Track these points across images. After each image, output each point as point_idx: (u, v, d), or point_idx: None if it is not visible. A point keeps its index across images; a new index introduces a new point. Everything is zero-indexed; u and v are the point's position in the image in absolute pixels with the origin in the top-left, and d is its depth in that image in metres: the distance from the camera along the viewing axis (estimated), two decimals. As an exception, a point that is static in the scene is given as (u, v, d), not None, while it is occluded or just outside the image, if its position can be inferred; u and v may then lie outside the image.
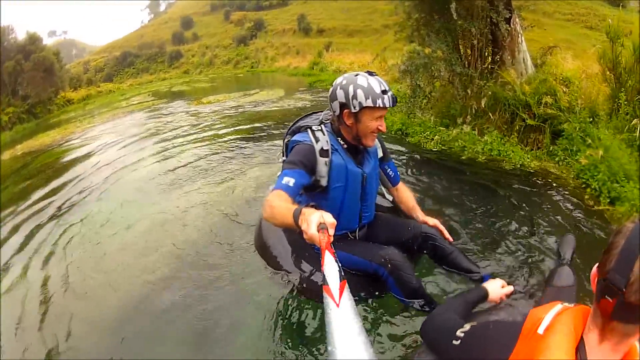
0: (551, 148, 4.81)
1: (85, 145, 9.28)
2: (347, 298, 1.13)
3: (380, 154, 2.25)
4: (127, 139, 8.72)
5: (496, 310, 1.70)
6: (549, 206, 3.54)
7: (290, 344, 2.00)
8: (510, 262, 2.57)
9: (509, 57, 5.46)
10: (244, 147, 6.16)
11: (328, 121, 2.13)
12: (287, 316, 2.20)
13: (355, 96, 1.86)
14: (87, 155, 8.08)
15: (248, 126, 7.75)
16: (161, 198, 4.49)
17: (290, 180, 1.77)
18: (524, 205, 3.50)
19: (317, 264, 2.13)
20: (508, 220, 3.20)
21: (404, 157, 5.09)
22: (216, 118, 9.30)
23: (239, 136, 6.97)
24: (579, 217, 3.31)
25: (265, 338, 2.06)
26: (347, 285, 1.17)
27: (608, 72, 4.54)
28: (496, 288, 1.76)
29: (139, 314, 2.47)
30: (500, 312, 1.64)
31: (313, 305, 2.18)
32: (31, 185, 6.71)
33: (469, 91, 5.39)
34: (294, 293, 2.24)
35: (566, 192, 3.81)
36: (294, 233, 2.12)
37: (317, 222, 1.35)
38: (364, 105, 1.85)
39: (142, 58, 50.68)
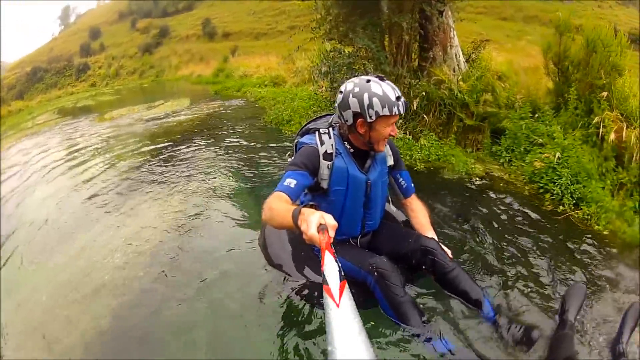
0: (493, 148, 4.56)
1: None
2: (347, 298, 1.14)
3: (390, 161, 2.21)
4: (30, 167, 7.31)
5: None
6: (508, 218, 3.28)
7: (290, 344, 2.00)
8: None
9: (440, 53, 5.18)
10: (149, 171, 5.28)
11: (337, 124, 2.12)
12: (287, 316, 2.18)
13: (371, 105, 1.84)
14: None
15: (150, 147, 6.76)
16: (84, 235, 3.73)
17: (291, 182, 1.82)
18: (477, 218, 3.25)
19: (317, 265, 2.17)
20: (475, 239, 2.92)
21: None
22: (118, 137, 8.29)
23: (143, 158, 6.03)
24: (545, 225, 3.17)
25: (266, 338, 2.05)
26: (347, 285, 1.19)
27: (552, 66, 4.34)
28: None
29: (136, 314, 2.43)
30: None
31: (313, 306, 2.17)
32: None
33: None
34: (294, 293, 2.25)
35: (522, 200, 3.58)
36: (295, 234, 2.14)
37: (317, 222, 1.37)
38: (381, 114, 1.85)
39: (51, 72, 48.24)
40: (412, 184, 2.36)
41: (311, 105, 7.13)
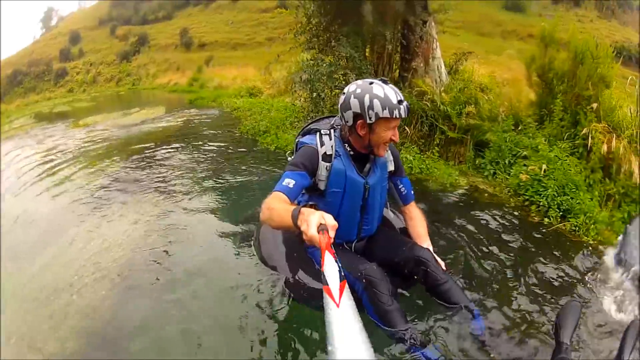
0: (476, 161, 4.50)
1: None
2: (347, 298, 1.15)
3: (391, 167, 2.19)
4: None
5: None
6: (495, 230, 3.21)
7: (290, 344, 2.01)
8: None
9: (422, 65, 5.13)
10: (120, 180, 5.01)
11: (339, 126, 2.11)
12: (287, 316, 2.18)
13: (371, 107, 1.83)
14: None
15: (122, 157, 6.47)
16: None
17: (290, 182, 1.82)
18: (463, 231, 3.15)
19: (313, 266, 2.19)
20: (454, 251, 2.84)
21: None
22: (90, 144, 8.02)
23: (113, 168, 5.70)
24: (534, 238, 3.12)
25: (266, 338, 2.04)
26: (347, 285, 1.20)
27: (536, 78, 4.32)
28: None
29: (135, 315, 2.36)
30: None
31: (312, 306, 2.10)
32: None
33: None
34: (293, 294, 2.24)
35: (509, 212, 3.51)
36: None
37: (317, 222, 1.36)
38: (381, 116, 1.84)
39: (30, 76, 47.62)
40: (412, 192, 2.33)
41: (288, 116, 7.02)
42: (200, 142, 6.62)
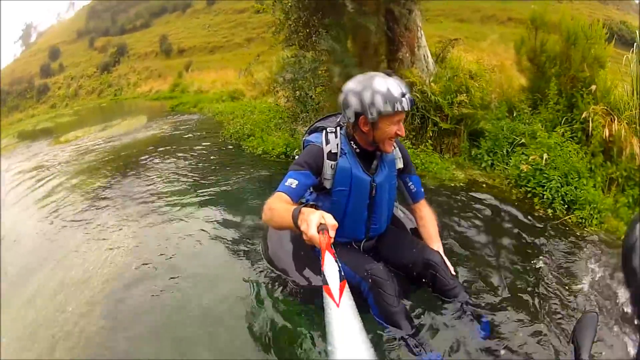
0: (472, 152, 4.35)
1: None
2: (347, 298, 1.14)
3: (400, 164, 2.12)
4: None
5: None
6: (501, 227, 3.05)
7: (290, 343, 1.99)
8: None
9: (407, 55, 4.94)
10: (101, 198, 4.72)
11: (345, 124, 2.06)
12: (287, 316, 2.14)
13: (372, 103, 1.77)
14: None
15: (103, 172, 6.13)
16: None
17: (293, 182, 1.80)
18: (467, 229, 3.01)
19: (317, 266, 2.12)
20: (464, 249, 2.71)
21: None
22: (74, 160, 7.81)
23: (92, 186, 5.36)
24: (540, 233, 2.94)
25: (266, 338, 2.03)
26: (347, 285, 1.19)
27: (526, 62, 4.17)
28: None
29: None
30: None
31: (312, 306, 2.13)
32: None
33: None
34: (294, 294, 2.23)
35: (512, 206, 3.34)
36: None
37: (317, 222, 1.36)
38: (383, 112, 1.77)
39: (13, 95, 47.71)
40: (422, 189, 2.27)
41: (272, 118, 6.82)
42: (183, 152, 6.39)
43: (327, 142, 1.97)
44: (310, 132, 2.18)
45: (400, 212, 2.55)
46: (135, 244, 3.25)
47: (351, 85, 1.86)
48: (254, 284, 2.42)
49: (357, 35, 4.78)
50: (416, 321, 1.90)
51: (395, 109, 1.77)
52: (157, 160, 6.01)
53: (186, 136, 7.97)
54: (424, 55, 5.05)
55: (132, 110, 17.70)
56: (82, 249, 3.40)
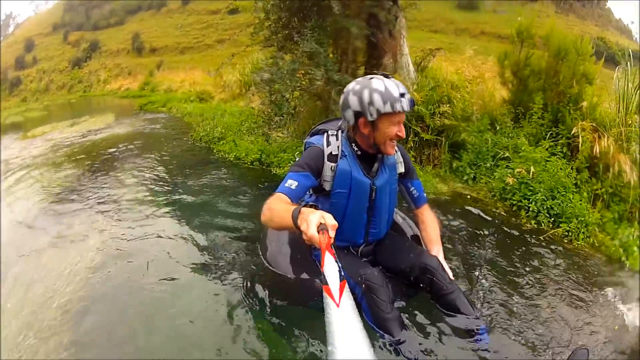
0: (453, 164, 4.22)
1: None
2: (347, 298, 1.15)
3: (401, 169, 2.11)
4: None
5: None
6: (488, 240, 2.98)
7: (290, 344, 1.95)
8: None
9: (390, 61, 4.80)
10: (61, 201, 4.32)
11: (346, 127, 2.05)
12: (286, 316, 2.13)
13: (371, 102, 1.77)
14: None
15: (66, 171, 5.73)
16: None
17: (293, 183, 1.80)
18: (456, 242, 2.94)
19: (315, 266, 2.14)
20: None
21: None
22: (38, 158, 7.22)
23: (51, 189, 4.87)
24: (528, 248, 2.91)
25: (266, 338, 2.00)
26: (347, 285, 1.19)
27: (509, 74, 4.10)
28: None
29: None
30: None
31: (313, 306, 1.97)
32: None
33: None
34: (293, 294, 2.20)
35: (498, 219, 3.30)
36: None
37: (317, 222, 1.36)
38: (382, 112, 1.76)
39: None
40: (424, 194, 2.24)
41: (244, 121, 6.57)
42: (147, 153, 6.01)
43: (328, 144, 1.95)
44: (312, 134, 2.17)
45: (399, 217, 2.52)
46: (100, 255, 2.96)
47: (350, 86, 1.85)
48: (254, 284, 2.38)
49: (339, 39, 4.61)
50: (411, 328, 1.88)
51: (395, 109, 1.74)
52: (123, 162, 5.63)
53: (155, 136, 7.60)
54: (406, 64, 4.93)
55: (101, 108, 17.36)
56: (43, 260, 3.06)
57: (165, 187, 4.32)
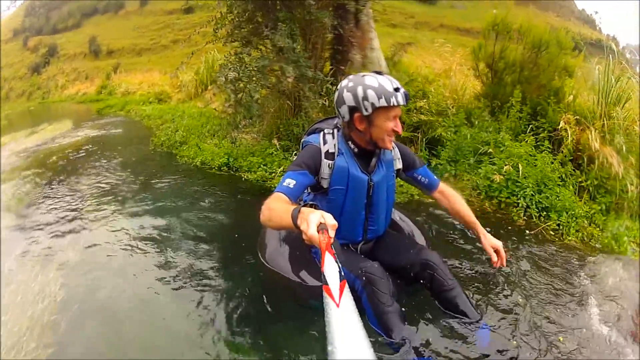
0: (432, 162, 4.05)
1: None
2: (347, 298, 1.14)
3: (398, 165, 2.09)
4: None
5: None
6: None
7: (290, 344, 1.95)
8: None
9: (358, 56, 4.58)
10: (24, 216, 3.92)
11: (342, 125, 2.05)
12: (286, 316, 2.14)
13: (366, 97, 1.76)
14: None
15: (19, 186, 5.35)
16: None
17: (291, 182, 1.79)
18: (447, 245, 2.86)
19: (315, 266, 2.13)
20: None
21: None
22: None
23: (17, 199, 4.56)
24: (520, 245, 2.85)
25: (266, 338, 2.01)
26: (347, 285, 1.18)
27: (484, 67, 3.97)
28: None
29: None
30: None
31: (313, 306, 1.96)
32: None
33: (320, 102, 4.29)
34: (293, 294, 2.18)
35: (489, 217, 3.20)
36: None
37: (317, 222, 1.34)
38: (378, 105, 1.76)
39: None
40: (434, 176, 2.19)
41: (204, 123, 6.25)
42: (104, 163, 5.57)
43: (325, 142, 1.95)
44: (309, 133, 2.17)
45: (397, 216, 2.51)
46: (61, 276, 2.71)
47: (344, 83, 1.85)
48: (253, 284, 2.39)
49: (308, 32, 4.34)
50: (411, 324, 1.87)
51: (391, 103, 1.74)
52: (81, 172, 5.22)
53: (111, 144, 7.12)
54: (377, 59, 4.73)
55: (59, 115, 16.61)
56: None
57: (133, 197, 4.00)
